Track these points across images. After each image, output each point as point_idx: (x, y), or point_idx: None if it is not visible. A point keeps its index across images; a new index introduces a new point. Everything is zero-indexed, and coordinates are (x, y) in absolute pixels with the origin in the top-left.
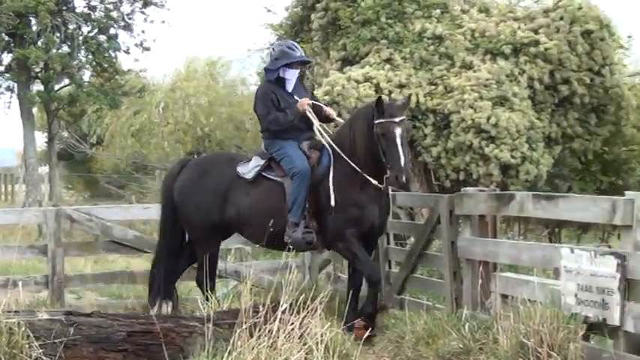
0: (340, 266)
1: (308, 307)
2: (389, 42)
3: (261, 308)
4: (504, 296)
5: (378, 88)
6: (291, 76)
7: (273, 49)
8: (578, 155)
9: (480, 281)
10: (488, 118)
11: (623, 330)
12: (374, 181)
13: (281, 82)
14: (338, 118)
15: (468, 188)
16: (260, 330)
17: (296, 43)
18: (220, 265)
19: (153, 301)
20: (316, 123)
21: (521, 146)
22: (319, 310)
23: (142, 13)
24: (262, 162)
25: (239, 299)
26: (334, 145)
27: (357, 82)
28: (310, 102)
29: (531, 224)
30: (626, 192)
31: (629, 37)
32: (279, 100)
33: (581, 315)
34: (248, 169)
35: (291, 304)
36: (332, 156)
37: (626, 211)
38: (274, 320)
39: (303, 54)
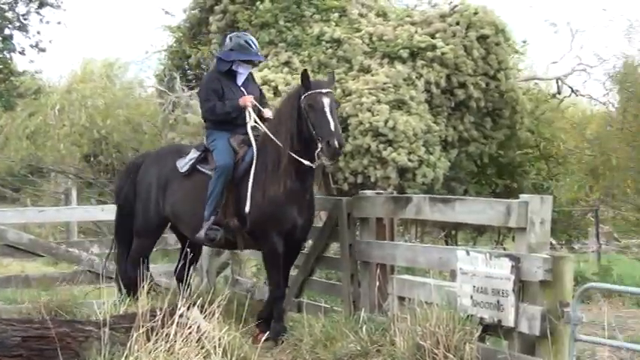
0: (238, 269)
1: (206, 310)
2: (287, 45)
3: (158, 312)
4: (401, 298)
5: (276, 91)
6: (244, 70)
7: (230, 38)
8: (474, 158)
9: (378, 284)
10: (386, 122)
11: (518, 331)
12: (305, 162)
13: (231, 74)
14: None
15: (365, 191)
16: (157, 334)
17: (254, 39)
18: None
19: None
20: (251, 122)
21: (419, 150)
22: (217, 314)
23: (38, 13)
24: (197, 154)
25: (136, 303)
26: (268, 133)
27: None
28: (252, 100)
29: (428, 227)
30: (521, 195)
31: (524, 42)
32: (223, 91)
33: (477, 316)
34: (184, 162)
35: (188, 308)
36: (256, 152)
37: (521, 214)
38: (172, 324)
39: (259, 51)
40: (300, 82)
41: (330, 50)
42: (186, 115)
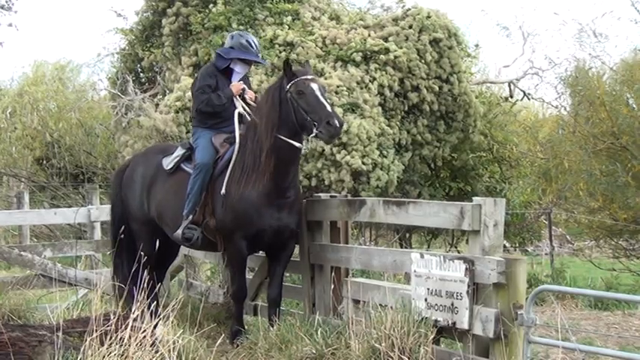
0: (192, 272)
1: (160, 314)
2: None
3: (112, 316)
4: (356, 301)
5: None
6: (241, 70)
7: (232, 36)
8: (427, 162)
9: (332, 287)
10: None
11: (472, 333)
12: (295, 143)
13: (228, 72)
14: (253, 103)
15: (319, 194)
16: (111, 338)
17: (255, 40)
18: (70, 272)
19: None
20: (239, 108)
21: (372, 153)
22: (172, 318)
23: None
24: (182, 152)
25: (89, 307)
26: (251, 116)
27: None
28: (243, 86)
29: (382, 230)
30: (474, 198)
31: (477, 45)
32: (217, 87)
33: (431, 319)
34: (169, 160)
35: (142, 312)
36: (237, 151)
37: (474, 217)
38: (125, 328)
39: (259, 52)
40: (282, 71)
41: (283, 53)
42: (139, 118)
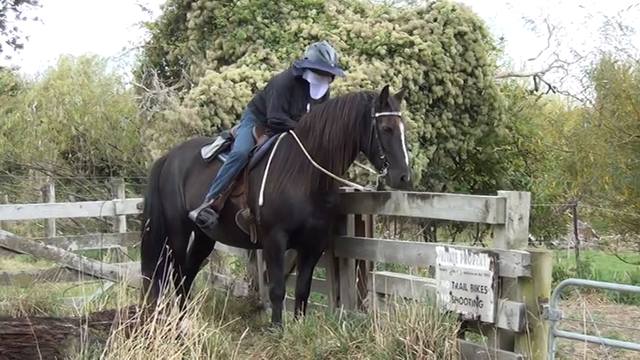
0: (217, 266)
1: (185, 307)
2: (265, 41)
3: (137, 309)
4: (381, 294)
5: (254, 88)
6: (315, 81)
7: (310, 47)
8: (452, 155)
9: (357, 280)
10: None
11: (497, 327)
12: (341, 178)
13: (302, 82)
14: None
15: (344, 187)
16: (136, 331)
17: (332, 51)
18: (96, 265)
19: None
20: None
21: None
22: (196, 311)
23: (14, 9)
24: (222, 142)
25: (115, 300)
26: (294, 135)
27: (234, 81)
28: None
29: (407, 223)
30: (499, 191)
31: (502, 39)
32: (290, 105)
33: (456, 312)
34: (209, 149)
35: (167, 305)
36: (278, 144)
37: (499, 210)
38: (151, 321)
39: (334, 64)
40: (380, 97)
41: (307, 47)
42: (164, 112)
